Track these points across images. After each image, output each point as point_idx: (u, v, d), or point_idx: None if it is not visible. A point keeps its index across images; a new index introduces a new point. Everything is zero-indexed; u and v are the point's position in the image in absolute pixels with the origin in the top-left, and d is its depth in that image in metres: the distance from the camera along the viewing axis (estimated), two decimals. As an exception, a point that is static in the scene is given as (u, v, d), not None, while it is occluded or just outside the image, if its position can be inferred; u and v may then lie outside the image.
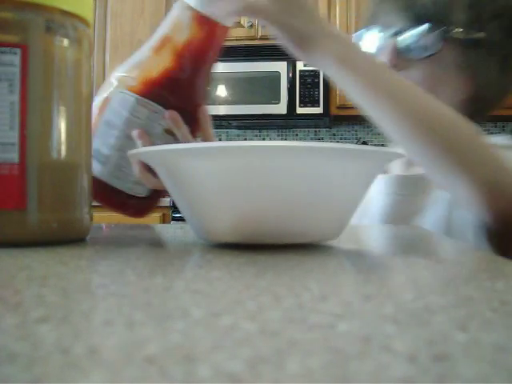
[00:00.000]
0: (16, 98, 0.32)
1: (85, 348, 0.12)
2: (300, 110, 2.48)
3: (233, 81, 2.57)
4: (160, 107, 0.49)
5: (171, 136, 0.50)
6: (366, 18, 0.73)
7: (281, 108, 2.52)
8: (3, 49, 0.32)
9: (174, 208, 2.30)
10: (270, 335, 0.13)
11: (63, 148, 0.34)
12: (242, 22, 2.62)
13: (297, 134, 2.86)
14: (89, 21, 0.37)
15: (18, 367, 0.10)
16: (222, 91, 2.59)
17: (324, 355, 0.11)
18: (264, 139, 2.90)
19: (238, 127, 2.89)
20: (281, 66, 2.52)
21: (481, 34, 0.65)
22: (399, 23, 0.67)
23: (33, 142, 0.32)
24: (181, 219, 2.19)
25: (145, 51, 0.49)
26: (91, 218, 0.38)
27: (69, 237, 0.35)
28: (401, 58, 0.67)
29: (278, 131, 2.89)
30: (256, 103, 2.54)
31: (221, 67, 2.58)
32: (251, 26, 2.60)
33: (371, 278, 0.22)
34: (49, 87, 0.33)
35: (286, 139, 2.88)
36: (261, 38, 2.60)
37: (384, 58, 0.67)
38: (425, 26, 0.65)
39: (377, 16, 0.70)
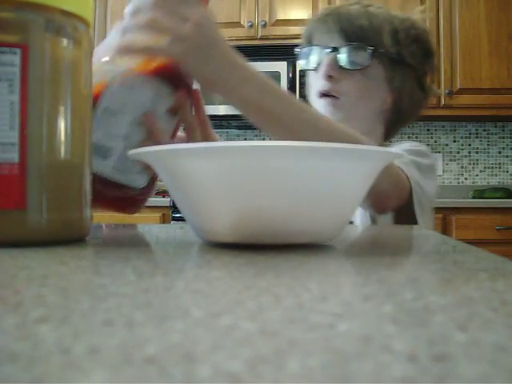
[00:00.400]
0: (16, 98, 0.32)
1: (85, 348, 0.12)
2: (300, 110, 2.48)
3: (233, 81, 2.57)
4: (164, 86, 0.48)
5: (173, 116, 0.49)
6: (305, 37, 0.85)
7: (281, 108, 2.51)
8: (3, 49, 0.32)
9: (174, 208, 2.30)
10: (270, 335, 0.13)
11: (63, 148, 0.34)
12: (242, 22, 2.62)
13: (297, 134, 2.85)
14: (89, 21, 0.37)
15: (18, 367, 0.10)
16: (221, 91, 2.59)
17: (324, 355, 0.11)
18: (264, 139, 2.90)
19: (238, 127, 2.89)
20: (281, 66, 2.52)
21: (401, 55, 0.79)
22: (335, 42, 0.79)
23: (33, 142, 0.32)
24: (181, 219, 2.19)
25: (129, 34, 0.48)
26: (91, 218, 0.38)
27: (69, 237, 0.35)
28: (337, 70, 0.79)
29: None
30: (256, 103, 2.53)
31: (221, 67, 2.58)
32: (251, 25, 2.60)
33: (371, 278, 0.22)
34: (49, 87, 0.33)
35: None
36: (261, 38, 2.60)
37: (323, 71, 0.79)
38: (358, 45, 0.78)
39: (315, 36, 0.83)
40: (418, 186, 0.71)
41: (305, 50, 0.84)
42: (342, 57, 0.79)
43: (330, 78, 0.78)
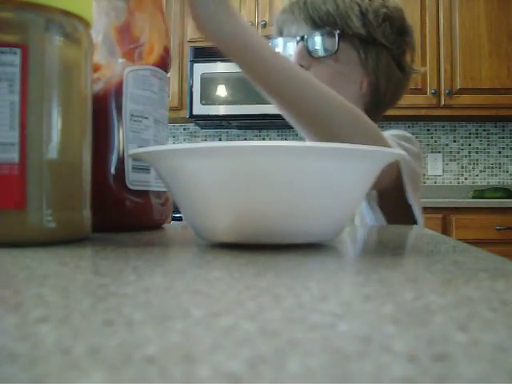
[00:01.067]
0: (16, 98, 0.32)
1: (85, 348, 0.12)
2: (300, 110, 2.48)
3: (233, 81, 2.57)
4: (165, 73, 0.49)
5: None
6: (276, 30, 0.84)
7: (281, 108, 2.51)
8: (3, 49, 0.32)
9: (174, 208, 2.29)
10: (270, 335, 0.13)
11: (63, 148, 0.34)
12: (241, 22, 2.62)
13: (297, 134, 2.86)
14: (89, 21, 0.37)
15: (18, 367, 0.10)
16: (221, 91, 2.59)
17: (324, 355, 0.11)
18: (264, 139, 2.90)
19: (238, 127, 2.89)
20: (281, 66, 2.52)
21: (372, 36, 0.77)
22: (303, 30, 0.78)
23: (33, 141, 0.32)
24: (181, 219, 2.19)
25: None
26: (91, 218, 0.38)
27: (69, 237, 0.35)
28: (307, 59, 0.78)
29: (278, 131, 2.89)
30: (256, 103, 2.54)
31: (221, 67, 2.58)
32: (251, 25, 2.60)
33: (371, 278, 0.22)
34: (49, 87, 0.33)
35: (285, 139, 2.88)
36: (261, 38, 2.59)
37: (295, 61, 0.78)
38: (325, 30, 0.77)
39: (283, 27, 0.82)
40: (407, 165, 0.70)
41: (275, 42, 0.83)
42: (310, 44, 0.78)
43: (300, 67, 0.75)
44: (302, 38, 0.78)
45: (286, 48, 0.81)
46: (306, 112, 0.58)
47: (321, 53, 0.78)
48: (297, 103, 0.58)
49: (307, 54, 0.78)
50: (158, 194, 0.49)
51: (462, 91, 2.50)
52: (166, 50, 0.49)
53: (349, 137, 0.57)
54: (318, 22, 0.77)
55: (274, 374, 0.10)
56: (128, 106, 0.46)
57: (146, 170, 0.47)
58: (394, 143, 0.71)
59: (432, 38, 2.52)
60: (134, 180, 0.46)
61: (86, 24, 0.37)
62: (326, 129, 0.58)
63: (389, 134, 0.77)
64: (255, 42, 0.55)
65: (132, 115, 0.46)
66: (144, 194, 0.47)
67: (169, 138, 2.99)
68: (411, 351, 0.12)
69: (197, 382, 0.10)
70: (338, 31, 0.76)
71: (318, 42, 0.77)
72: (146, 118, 0.47)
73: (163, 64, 0.49)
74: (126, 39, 0.47)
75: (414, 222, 0.75)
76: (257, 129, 2.90)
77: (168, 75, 0.50)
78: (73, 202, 0.35)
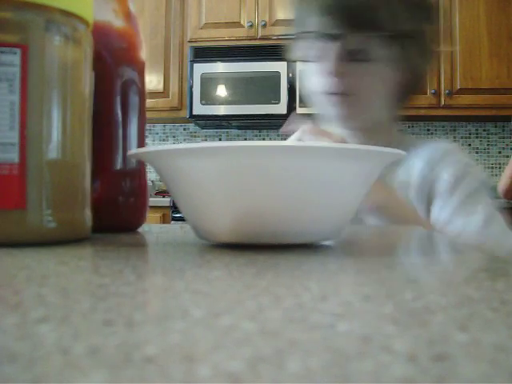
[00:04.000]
0: (16, 98, 0.32)
1: (85, 348, 0.12)
2: (300, 110, 2.48)
3: (233, 81, 2.57)
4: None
5: None
6: (297, 22, 0.74)
7: (281, 108, 2.52)
8: (3, 49, 0.32)
9: (174, 208, 2.30)
10: (270, 335, 0.13)
11: (63, 148, 0.34)
12: (242, 22, 2.62)
13: (297, 134, 2.85)
14: (89, 21, 0.37)
15: (18, 367, 0.10)
16: (221, 91, 2.59)
17: (324, 355, 0.11)
18: (264, 139, 2.90)
19: (238, 127, 2.89)
20: (281, 66, 2.52)
21: (404, 28, 0.69)
22: (334, 27, 0.68)
23: (33, 142, 0.32)
24: (181, 219, 2.19)
25: None
26: (91, 218, 0.38)
27: (69, 237, 0.35)
28: (342, 64, 0.69)
29: (278, 131, 2.89)
30: (256, 103, 2.54)
31: (221, 67, 2.58)
32: (251, 25, 2.60)
33: (371, 278, 0.22)
34: (49, 87, 0.33)
35: (285, 139, 2.88)
36: (261, 38, 2.60)
37: (327, 67, 0.70)
38: (362, 30, 0.68)
39: (308, 20, 0.72)
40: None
41: (298, 38, 0.73)
42: (348, 46, 0.68)
43: (335, 73, 0.69)
44: (335, 37, 0.69)
45: (309, 46, 0.72)
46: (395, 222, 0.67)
47: (357, 57, 0.69)
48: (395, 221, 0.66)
49: (343, 58, 0.69)
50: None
51: (461, 91, 2.50)
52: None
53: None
54: (352, 18, 0.68)
55: (273, 374, 0.10)
56: None
57: None
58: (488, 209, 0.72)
59: None
60: None
61: (86, 24, 0.37)
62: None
63: (451, 160, 0.74)
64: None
65: None
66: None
67: (169, 138, 2.99)
68: (411, 351, 0.12)
69: (197, 382, 0.10)
70: (374, 32, 0.68)
71: (356, 43, 0.69)
72: None
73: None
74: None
75: None
76: (257, 129, 2.90)
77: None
78: (73, 202, 0.35)
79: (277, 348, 0.12)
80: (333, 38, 0.69)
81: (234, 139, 2.92)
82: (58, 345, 0.12)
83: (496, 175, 2.79)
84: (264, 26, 2.60)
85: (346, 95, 0.70)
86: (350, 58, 0.69)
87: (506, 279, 0.22)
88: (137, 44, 0.49)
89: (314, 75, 0.73)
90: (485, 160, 2.81)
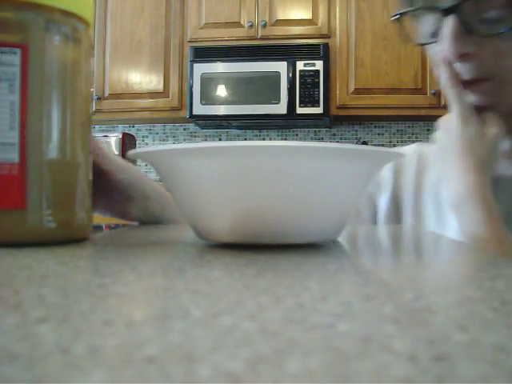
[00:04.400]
0: (16, 98, 0.32)
1: (85, 348, 0.12)
2: (300, 110, 2.49)
3: (233, 81, 2.57)
4: None
5: None
6: (403, 2, 0.58)
7: (281, 108, 2.52)
8: (3, 49, 0.32)
9: (174, 208, 2.29)
10: (270, 335, 0.13)
11: (63, 148, 0.34)
12: (242, 22, 2.62)
13: (297, 134, 2.86)
14: (89, 21, 0.37)
15: (17, 367, 0.10)
16: (221, 91, 2.59)
17: (324, 355, 0.11)
18: (264, 139, 2.90)
19: (238, 127, 2.89)
20: (281, 66, 2.52)
21: None
22: (450, 1, 0.52)
23: (33, 142, 0.32)
24: (181, 219, 2.19)
25: None
26: (91, 218, 0.38)
27: (69, 237, 0.35)
28: (469, 42, 0.53)
29: (278, 131, 2.89)
30: (256, 103, 2.54)
31: (221, 67, 2.58)
32: (251, 25, 2.60)
33: (371, 278, 0.22)
34: (49, 87, 0.33)
35: (285, 139, 2.88)
36: (261, 38, 2.60)
37: (450, 52, 0.54)
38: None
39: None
40: None
41: (407, 16, 0.58)
42: (466, 17, 0.52)
43: (464, 57, 0.54)
44: (451, 11, 0.53)
45: (423, 25, 0.58)
46: None
47: (484, 30, 0.53)
48: None
49: (467, 34, 0.53)
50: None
51: (461, 91, 2.49)
52: None
53: None
54: None
55: (273, 374, 0.10)
56: None
57: None
58: None
59: None
60: None
61: (86, 24, 0.37)
62: None
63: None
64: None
65: None
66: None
67: (169, 138, 2.99)
68: (411, 351, 0.12)
69: (197, 382, 0.10)
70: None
71: (479, 15, 0.53)
72: None
73: None
74: None
75: None
76: (257, 129, 2.90)
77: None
78: (73, 202, 0.35)
79: (277, 348, 0.12)
80: (444, 11, 0.53)
81: (234, 139, 2.92)
82: (58, 345, 0.12)
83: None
84: (264, 25, 2.60)
85: (479, 81, 0.55)
86: (472, 31, 0.53)
87: (505, 279, 0.22)
88: None
89: (436, 65, 0.58)
90: (485, 160, 2.81)
